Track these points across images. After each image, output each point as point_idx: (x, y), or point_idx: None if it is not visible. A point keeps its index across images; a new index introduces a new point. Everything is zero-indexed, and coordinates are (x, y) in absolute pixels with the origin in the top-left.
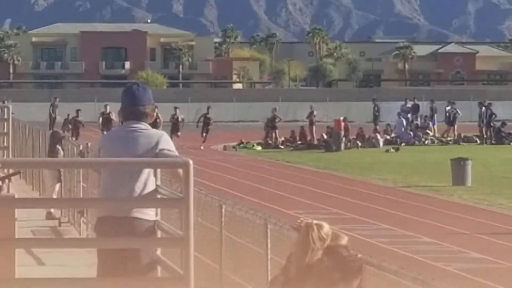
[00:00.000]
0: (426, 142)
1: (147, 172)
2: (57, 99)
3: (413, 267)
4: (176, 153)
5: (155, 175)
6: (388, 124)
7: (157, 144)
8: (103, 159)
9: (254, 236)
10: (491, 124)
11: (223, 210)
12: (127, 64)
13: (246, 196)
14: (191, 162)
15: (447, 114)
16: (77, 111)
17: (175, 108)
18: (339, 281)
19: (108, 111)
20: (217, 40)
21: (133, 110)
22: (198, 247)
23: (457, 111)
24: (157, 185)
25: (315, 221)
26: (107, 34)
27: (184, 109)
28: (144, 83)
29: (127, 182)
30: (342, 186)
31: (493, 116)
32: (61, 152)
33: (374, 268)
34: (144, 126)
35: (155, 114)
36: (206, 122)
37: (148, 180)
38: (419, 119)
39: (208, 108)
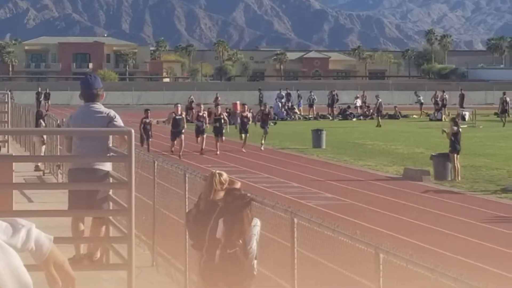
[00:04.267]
0: (295, 118)
1: (102, 138)
2: (40, 89)
3: (284, 203)
4: (122, 125)
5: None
6: (270, 106)
7: (108, 118)
8: (72, 129)
9: (177, 182)
10: (335, 106)
11: (156, 164)
12: (91, 65)
13: (172, 155)
14: (132, 130)
15: (309, 99)
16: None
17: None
18: (235, 211)
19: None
20: (152, 48)
21: (89, 93)
22: (138, 189)
23: (315, 97)
24: (110, 147)
25: (217, 171)
26: (77, 44)
27: (129, 96)
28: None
29: (89, 144)
30: (238, 148)
31: (338, 100)
32: (43, 124)
33: (258, 203)
34: (98, 105)
35: (104, 94)
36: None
37: (104, 143)
38: (290, 102)
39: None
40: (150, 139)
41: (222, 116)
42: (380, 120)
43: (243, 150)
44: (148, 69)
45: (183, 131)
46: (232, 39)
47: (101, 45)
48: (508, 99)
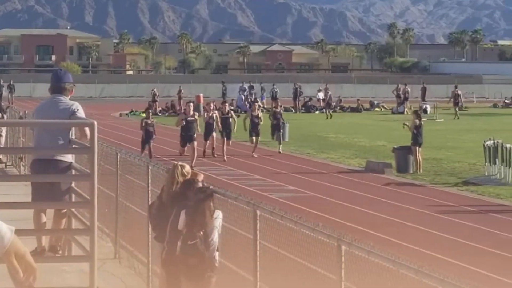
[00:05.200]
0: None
1: (66, 129)
2: (2, 81)
3: (247, 195)
4: (84, 117)
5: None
6: (233, 99)
7: (72, 110)
8: (35, 120)
9: (140, 173)
10: (300, 98)
11: (119, 156)
12: (53, 57)
13: (134, 147)
14: (95, 122)
15: (271, 92)
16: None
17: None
18: (198, 203)
19: None
20: (115, 41)
21: (57, 86)
22: (101, 181)
23: (278, 90)
24: (71, 139)
25: (180, 163)
26: (40, 36)
27: (92, 88)
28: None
29: (51, 136)
30: (201, 140)
31: (302, 93)
32: (4, 117)
33: (220, 195)
34: (64, 98)
35: (73, 91)
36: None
37: (66, 135)
38: (253, 95)
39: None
40: (152, 141)
41: (230, 115)
42: (330, 112)
43: (254, 155)
44: (111, 61)
45: (195, 135)
46: (196, 32)
47: (64, 37)
48: (460, 92)
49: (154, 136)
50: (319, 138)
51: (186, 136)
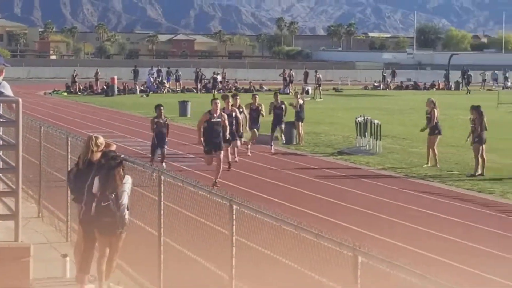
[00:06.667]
0: (164, 91)
1: None
2: None
3: (156, 165)
4: (12, 95)
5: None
6: (145, 82)
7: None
8: None
9: (61, 144)
10: (202, 81)
11: (42, 129)
12: None
13: (57, 121)
14: (20, 100)
15: (176, 75)
16: None
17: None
18: (110, 170)
19: None
20: (40, 30)
21: None
22: (27, 151)
23: (181, 74)
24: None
25: (94, 134)
26: None
27: (20, 70)
28: None
29: None
30: (115, 116)
31: (204, 76)
32: None
33: (130, 163)
34: None
35: (4, 72)
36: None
37: None
38: (160, 78)
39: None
40: (166, 147)
41: (241, 110)
42: (214, 92)
43: (248, 153)
44: (37, 47)
45: (221, 142)
46: (111, 22)
47: None
48: (320, 76)
49: (167, 140)
50: None
51: (211, 142)
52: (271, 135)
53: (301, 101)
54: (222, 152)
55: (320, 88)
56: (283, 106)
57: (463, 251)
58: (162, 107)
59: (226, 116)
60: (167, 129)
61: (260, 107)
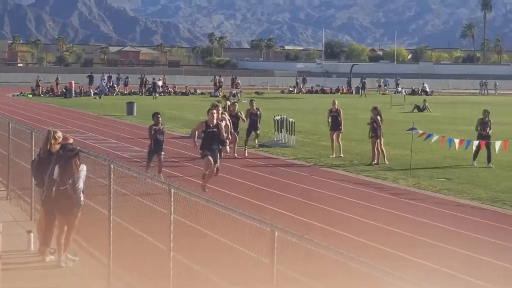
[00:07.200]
0: (114, 94)
1: None
2: None
3: (104, 154)
4: None
5: None
6: (98, 86)
7: None
8: None
9: (26, 138)
10: (146, 85)
11: (10, 125)
12: None
13: (23, 119)
14: None
15: (125, 81)
16: None
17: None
18: (67, 159)
19: None
20: (10, 41)
21: None
22: None
23: (129, 79)
24: None
25: (52, 129)
26: None
27: None
28: None
29: None
30: (73, 115)
31: (147, 81)
32: None
33: (85, 154)
34: None
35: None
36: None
37: None
38: (111, 82)
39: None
40: (162, 153)
41: (239, 115)
42: (155, 95)
43: (236, 156)
44: (6, 56)
45: (217, 150)
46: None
47: None
48: (239, 81)
49: (164, 146)
50: None
51: (209, 148)
52: (245, 139)
53: (228, 103)
54: (218, 161)
55: (238, 90)
56: (258, 112)
57: (360, 227)
58: (159, 115)
59: (222, 126)
60: (163, 136)
61: (239, 113)
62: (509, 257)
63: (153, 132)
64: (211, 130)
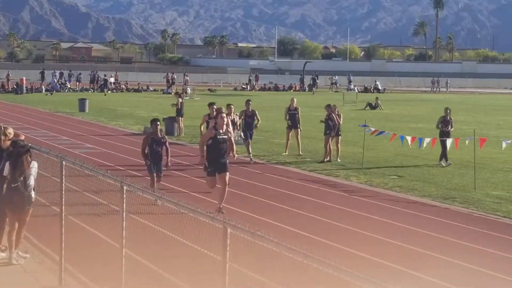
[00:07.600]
0: (66, 90)
1: None
2: None
3: (56, 151)
4: None
5: None
6: (50, 82)
7: None
8: None
9: None
10: (97, 82)
11: None
12: None
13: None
14: None
15: (77, 77)
16: None
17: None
18: (18, 156)
19: None
20: None
21: None
22: None
23: (82, 76)
24: None
25: (3, 125)
26: None
27: None
28: None
29: None
30: (24, 111)
31: (99, 77)
32: None
33: (36, 150)
34: None
35: None
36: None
37: None
38: (63, 79)
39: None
40: (162, 174)
41: (235, 121)
42: (106, 91)
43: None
44: None
45: (227, 162)
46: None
47: None
48: (188, 78)
49: (170, 165)
50: (110, 110)
51: (216, 161)
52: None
53: (181, 100)
54: (228, 173)
55: (187, 86)
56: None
57: (310, 223)
58: (158, 123)
59: (232, 132)
60: (166, 145)
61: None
62: (458, 253)
63: (150, 141)
64: (221, 137)
